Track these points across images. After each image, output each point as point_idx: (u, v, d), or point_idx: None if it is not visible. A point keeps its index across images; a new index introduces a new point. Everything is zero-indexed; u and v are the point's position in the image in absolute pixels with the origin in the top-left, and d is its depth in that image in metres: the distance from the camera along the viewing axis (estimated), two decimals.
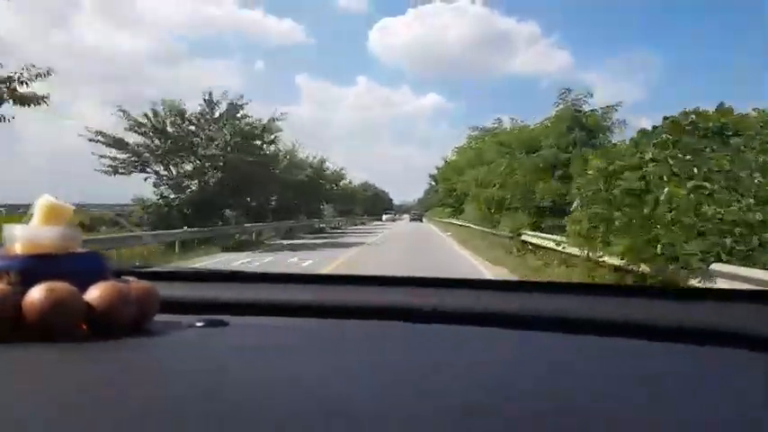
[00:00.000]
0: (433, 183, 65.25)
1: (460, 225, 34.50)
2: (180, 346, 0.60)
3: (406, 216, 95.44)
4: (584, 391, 0.54)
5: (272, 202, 33.79)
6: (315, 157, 38.83)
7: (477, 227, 27.20)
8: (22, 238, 0.54)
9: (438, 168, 61.10)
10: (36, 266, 0.52)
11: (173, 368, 0.53)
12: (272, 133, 25.22)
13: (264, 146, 25.41)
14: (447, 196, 44.61)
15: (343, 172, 46.26)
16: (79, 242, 0.57)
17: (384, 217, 68.35)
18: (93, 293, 0.53)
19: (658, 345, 0.70)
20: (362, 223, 56.70)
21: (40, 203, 0.56)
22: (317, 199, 40.28)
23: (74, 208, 0.58)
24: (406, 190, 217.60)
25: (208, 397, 0.45)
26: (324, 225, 40.63)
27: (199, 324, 0.68)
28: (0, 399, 0.42)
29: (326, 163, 40.34)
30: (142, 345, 0.57)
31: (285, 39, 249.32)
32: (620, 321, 0.77)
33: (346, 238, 28.12)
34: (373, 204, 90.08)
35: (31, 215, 0.55)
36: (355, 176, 79.09)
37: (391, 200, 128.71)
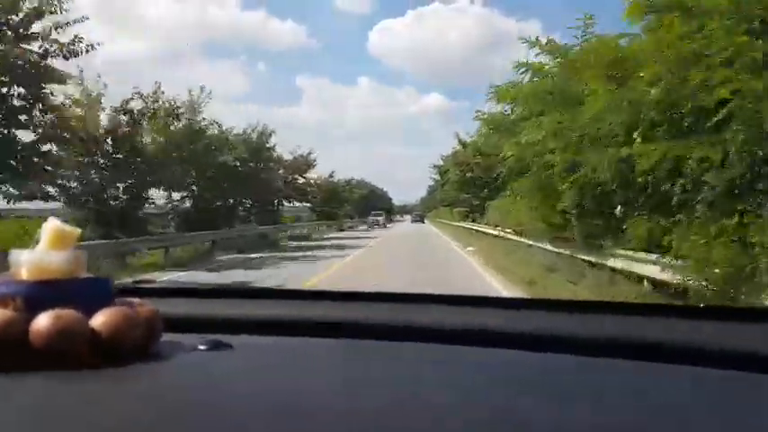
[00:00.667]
0: (439, 177, 52.57)
1: (494, 235, 21.35)
2: (186, 370, 0.63)
3: (408, 217, 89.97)
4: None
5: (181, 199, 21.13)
6: (253, 130, 25.57)
7: (527, 241, 14.64)
8: (29, 263, 0.55)
9: (445, 157, 48.55)
10: (42, 292, 0.53)
11: (180, 393, 0.55)
12: None
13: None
14: (462, 188, 31.74)
15: (313, 158, 32.70)
16: (84, 266, 0.57)
17: (369, 219, 50.45)
18: (100, 319, 0.54)
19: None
20: (342, 229, 43.58)
21: (47, 227, 0.56)
22: (269, 195, 27.36)
23: (80, 231, 0.58)
24: (408, 191, 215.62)
25: (214, 421, 0.47)
26: (282, 235, 27.69)
27: (202, 347, 0.69)
28: (9, 427, 0.44)
29: (273, 138, 26.42)
30: (149, 370, 0.58)
31: (287, 40, 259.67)
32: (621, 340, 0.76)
33: (286, 267, 15.21)
34: (368, 205, 77.64)
35: (38, 239, 0.56)
36: (350, 176, 67.42)
37: (390, 199, 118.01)
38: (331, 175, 44.09)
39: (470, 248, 19.16)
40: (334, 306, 0.97)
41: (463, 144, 31.50)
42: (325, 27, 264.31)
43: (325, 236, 33.40)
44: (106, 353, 0.54)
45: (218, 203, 22.08)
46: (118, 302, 0.57)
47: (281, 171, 30.01)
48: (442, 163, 49.28)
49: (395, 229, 45.53)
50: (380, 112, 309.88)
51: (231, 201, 23.92)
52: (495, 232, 20.81)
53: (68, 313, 0.52)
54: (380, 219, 50.83)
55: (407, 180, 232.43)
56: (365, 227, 46.94)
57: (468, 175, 29.57)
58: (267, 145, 25.75)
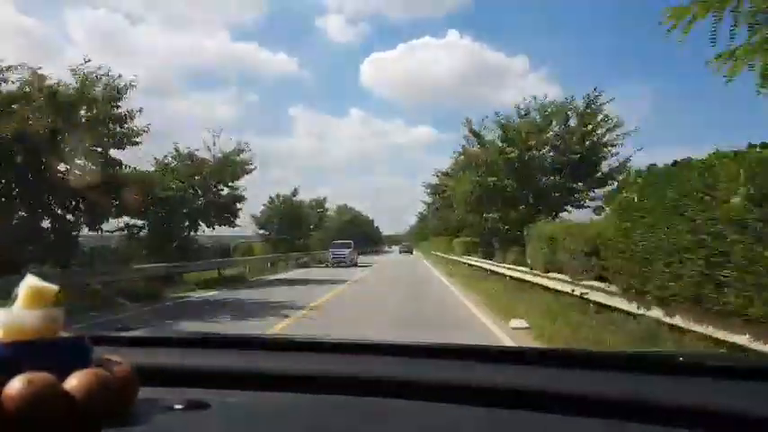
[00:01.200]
0: (435, 198, 41.88)
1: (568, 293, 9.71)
2: None
3: (396, 248, 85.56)
4: None
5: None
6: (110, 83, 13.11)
7: None
8: (4, 323, 0.54)
9: (441, 175, 38.04)
10: (17, 354, 0.52)
11: None
12: None
13: None
14: (477, 206, 20.89)
15: (248, 156, 20.66)
16: (61, 324, 0.56)
17: (331, 256, 32.45)
18: (73, 382, 0.53)
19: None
20: (306, 264, 32.33)
21: (23, 285, 0.56)
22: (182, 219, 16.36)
23: (57, 288, 0.56)
24: (398, 221, 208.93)
25: None
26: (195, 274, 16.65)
27: (179, 406, 0.70)
28: None
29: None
30: None
31: (278, 71, 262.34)
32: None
33: None
34: (350, 234, 66.70)
35: (15, 297, 0.56)
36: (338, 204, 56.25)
37: (377, 228, 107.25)
38: (294, 193, 33.28)
39: (519, 324, 8.20)
40: (313, 358, 0.95)
41: (476, 134, 20.67)
42: (317, 59, 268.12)
43: (271, 277, 22.40)
44: (80, 417, 0.53)
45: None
46: (95, 360, 0.56)
47: (197, 177, 19.17)
48: (436, 180, 38.81)
49: (376, 265, 34.32)
50: (370, 142, 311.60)
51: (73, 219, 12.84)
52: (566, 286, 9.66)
53: (41, 377, 0.51)
54: (345, 252, 32.10)
55: (397, 210, 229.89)
56: (329, 263, 32.04)
57: (492, 181, 18.81)
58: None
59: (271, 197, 32.54)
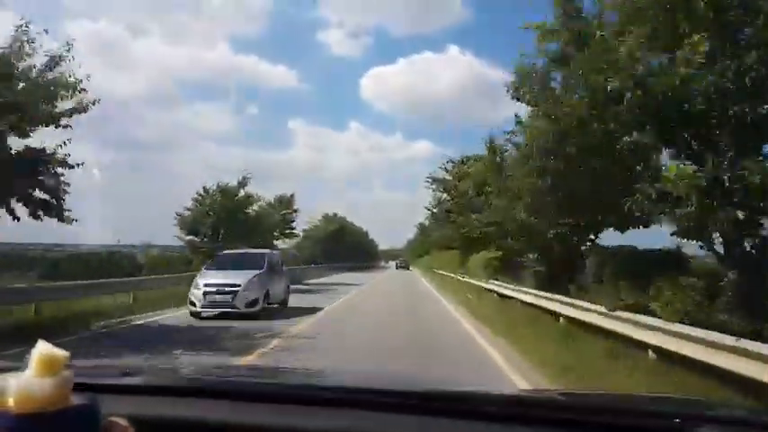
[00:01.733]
0: (443, 197, 31.62)
1: None
2: None
3: (393, 263, 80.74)
4: None
5: None
6: None
7: None
8: (15, 392, 0.54)
9: (450, 169, 28.14)
10: (28, 426, 0.53)
11: None
12: None
13: None
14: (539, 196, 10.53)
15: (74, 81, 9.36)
16: (71, 389, 0.56)
17: (201, 289, 12.89)
18: None
19: None
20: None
21: (35, 352, 0.55)
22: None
23: (67, 354, 0.56)
24: (394, 237, 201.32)
25: None
26: None
27: None
28: None
29: None
30: None
31: (279, 84, 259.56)
32: None
33: None
34: (335, 249, 56.50)
35: (26, 362, 0.56)
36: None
37: (372, 241, 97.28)
38: (242, 183, 22.92)
39: None
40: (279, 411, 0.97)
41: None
42: (318, 72, 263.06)
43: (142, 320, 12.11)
44: None
45: None
46: (105, 423, 0.58)
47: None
48: (445, 174, 28.65)
49: (350, 297, 23.93)
50: (370, 156, 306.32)
51: None
52: None
53: None
54: (237, 283, 12.82)
55: (395, 225, 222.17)
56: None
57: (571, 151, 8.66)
58: None
59: (204, 188, 22.31)
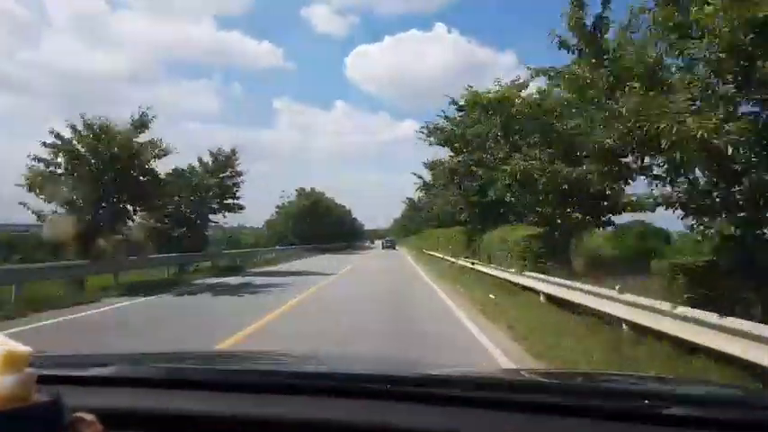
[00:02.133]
0: (437, 163, 23.89)
1: None
2: None
3: (379, 242, 78.05)
4: None
5: None
6: None
7: None
8: None
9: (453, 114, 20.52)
10: None
11: None
12: None
13: None
14: None
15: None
16: (34, 386, 0.54)
17: None
18: None
19: None
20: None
21: None
22: None
23: (30, 350, 0.55)
24: (380, 216, 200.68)
25: None
26: None
27: None
28: None
29: None
30: None
31: (263, 62, 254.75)
32: None
33: None
34: (310, 228, 48.88)
35: None
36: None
37: (355, 220, 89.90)
38: (140, 122, 14.91)
39: None
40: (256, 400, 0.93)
41: None
42: (303, 50, 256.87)
43: None
44: None
45: None
46: (69, 418, 0.55)
47: None
48: (446, 120, 20.81)
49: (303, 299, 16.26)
50: (355, 137, 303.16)
51: None
52: None
53: None
54: None
55: (378, 206, 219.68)
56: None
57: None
58: None
59: (73, 126, 14.09)
